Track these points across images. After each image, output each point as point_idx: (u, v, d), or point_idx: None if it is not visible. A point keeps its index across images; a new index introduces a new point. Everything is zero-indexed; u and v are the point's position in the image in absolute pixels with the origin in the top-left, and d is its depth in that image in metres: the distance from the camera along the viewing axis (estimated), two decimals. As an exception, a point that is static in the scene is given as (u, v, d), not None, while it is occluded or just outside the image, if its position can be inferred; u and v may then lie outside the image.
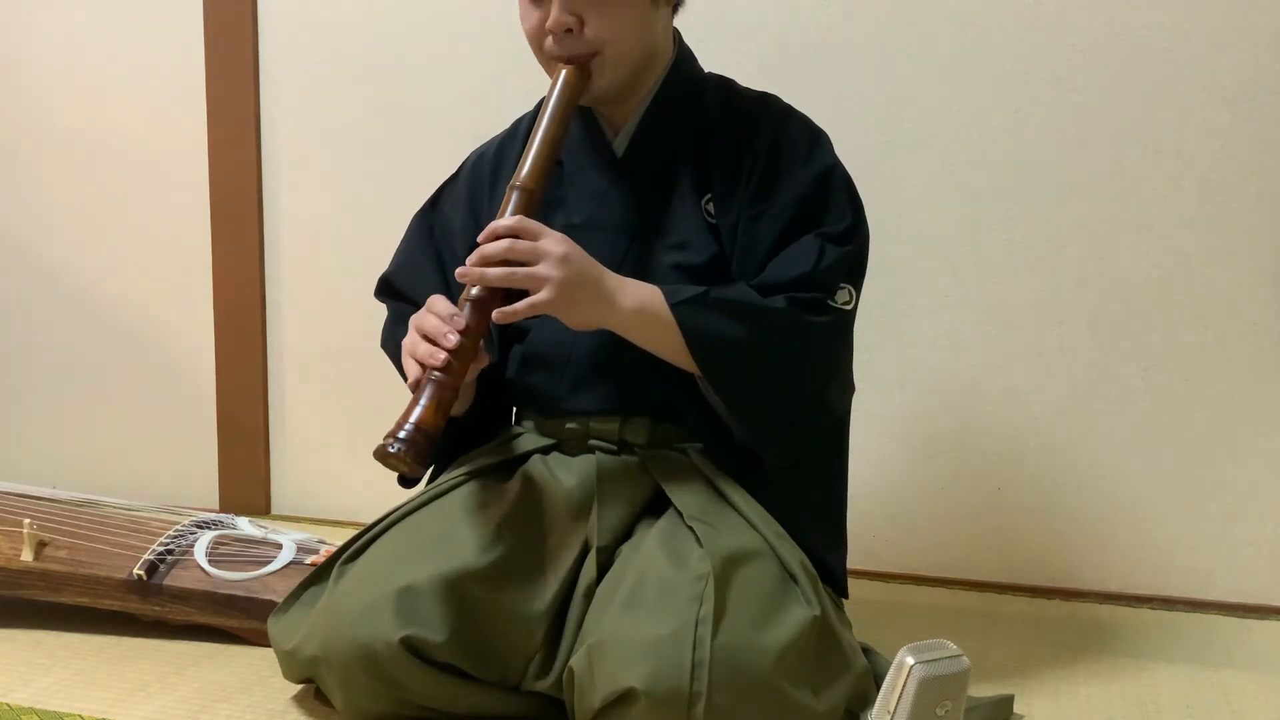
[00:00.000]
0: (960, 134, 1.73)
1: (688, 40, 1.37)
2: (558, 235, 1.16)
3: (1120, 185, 1.68)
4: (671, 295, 1.19)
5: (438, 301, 1.19)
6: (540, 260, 1.14)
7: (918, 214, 1.75)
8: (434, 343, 1.15)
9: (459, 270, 1.17)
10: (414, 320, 1.19)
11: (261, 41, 2.05)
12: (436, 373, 1.14)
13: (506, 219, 1.17)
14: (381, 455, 1.12)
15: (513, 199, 1.20)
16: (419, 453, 1.11)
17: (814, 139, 1.30)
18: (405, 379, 1.20)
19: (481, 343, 1.18)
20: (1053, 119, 1.70)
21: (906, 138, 1.75)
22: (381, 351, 1.38)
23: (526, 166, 1.21)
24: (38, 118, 2.20)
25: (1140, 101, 1.66)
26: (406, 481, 1.38)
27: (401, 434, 1.11)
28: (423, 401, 1.13)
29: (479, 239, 1.17)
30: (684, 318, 1.17)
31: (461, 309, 1.17)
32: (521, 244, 1.14)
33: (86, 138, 2.18)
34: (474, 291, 1.17)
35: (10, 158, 2.22)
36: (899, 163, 1.75)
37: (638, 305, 1.18)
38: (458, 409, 1.28)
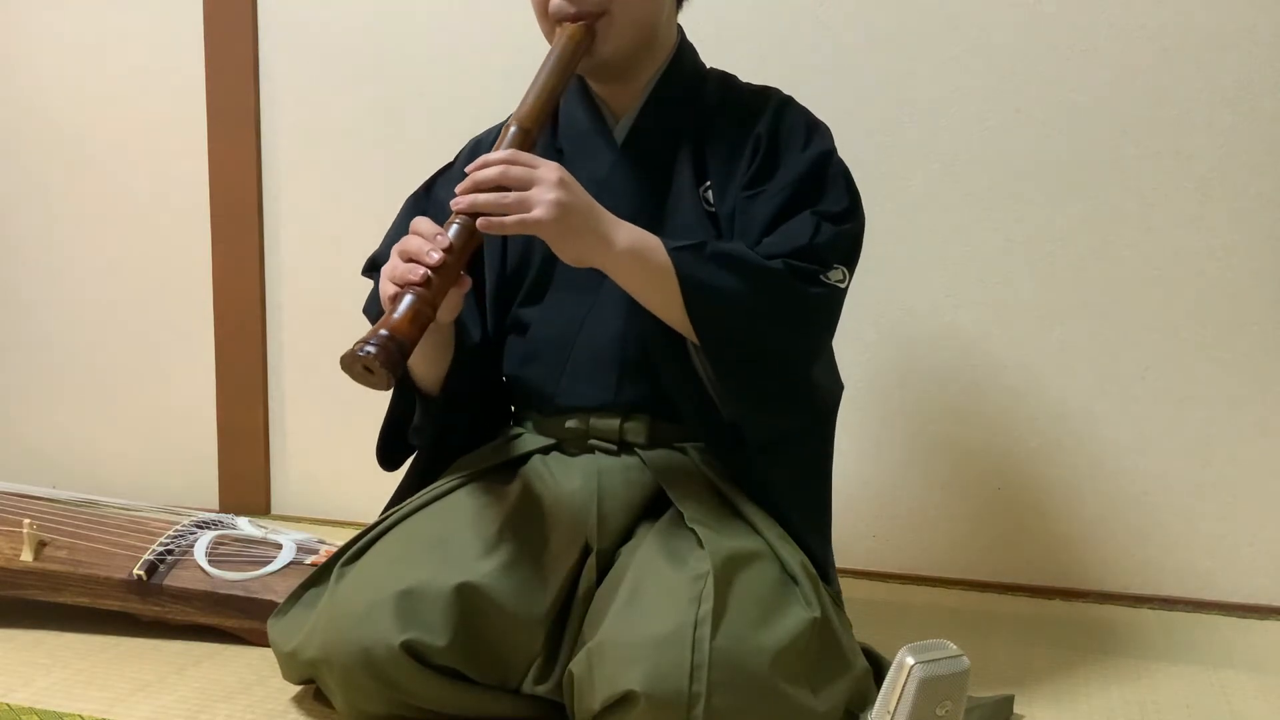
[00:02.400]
0: (960, 134, 1.73)
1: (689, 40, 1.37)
2: (554, 164, 1.14)
3: (1120, 185, 1.68)
4: (669, 243, 1.18)
5: (421, 222, 1.15)
6: (535, 185, 1.12)
7: (918, 214, 1.75)
8: (416, 261, 1.12)
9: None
10: (396, 246, 1.15)
11: (261, 41, 2.05)
12: (416, 288, 1.09)
13: (500, 151, 1.15)
14: (349, 360, 1.06)
15: (508, 135, 1.18)
16: (390, 359, 1.05)
17: (812, 127, 1.31)
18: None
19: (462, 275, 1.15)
20: (1053, 119, 1.70)
21: (906, 138, 1.75)
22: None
23: (526, 106, 1.20)
24: (38, 118, 2.20)
25: (1140, 101, 1.67)
26: (388, 463, 1.38)
27: (373, 340, 1.05)
28: (399, 311, 1.09)
29: (467, 168, 1.15)
30: (681, 264, 1.15)
31: (447, 230, 1.14)
32: (516, 169, 1.12)
33: (86, 138, 2.18)
34: (462, 217, 1.13)
35: (10, 158, 2.23)
36: (899, 163, 1.76)
37: (633, 244, 1.16)
38: (436, 368, 1.28)
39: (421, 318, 1.10)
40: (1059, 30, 1.68)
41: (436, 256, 1.10)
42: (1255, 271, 1.65)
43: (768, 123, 1.29)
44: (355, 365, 1.06)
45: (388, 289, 1.13)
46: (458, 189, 1.14)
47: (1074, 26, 1.68)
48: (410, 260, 1.12)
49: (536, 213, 1.10)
